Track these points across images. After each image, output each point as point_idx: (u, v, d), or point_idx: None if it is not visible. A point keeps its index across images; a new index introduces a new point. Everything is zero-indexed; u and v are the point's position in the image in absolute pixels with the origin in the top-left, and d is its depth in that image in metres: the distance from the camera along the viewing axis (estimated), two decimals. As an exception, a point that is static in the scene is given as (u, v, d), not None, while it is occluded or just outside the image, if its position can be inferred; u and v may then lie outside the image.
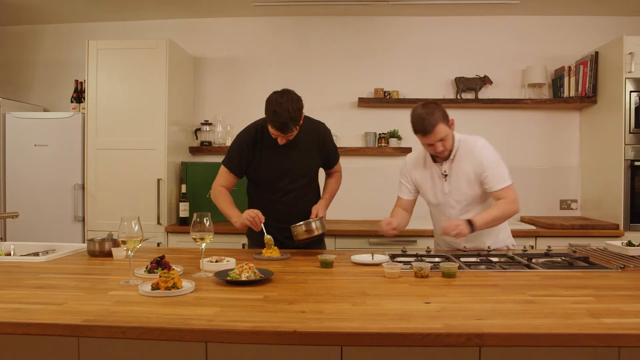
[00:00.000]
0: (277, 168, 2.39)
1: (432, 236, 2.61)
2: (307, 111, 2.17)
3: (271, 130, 2.26)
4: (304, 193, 2.47)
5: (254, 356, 1.56)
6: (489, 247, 2.33)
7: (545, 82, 3.92)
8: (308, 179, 2.48)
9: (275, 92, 2.25)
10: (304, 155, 2.41)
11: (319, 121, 2.52)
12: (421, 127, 2.20)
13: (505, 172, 2.27)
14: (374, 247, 3.32)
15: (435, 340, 1.21)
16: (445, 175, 2.33)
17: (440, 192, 2.36)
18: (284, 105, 2.18)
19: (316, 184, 2.57)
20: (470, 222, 2.16)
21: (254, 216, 2.29)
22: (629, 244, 2.29)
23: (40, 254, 2.29)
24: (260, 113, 2.33)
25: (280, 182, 2.41)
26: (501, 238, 2.45)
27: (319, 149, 2.45)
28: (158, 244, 3.48)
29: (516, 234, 3.35)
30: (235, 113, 4.05)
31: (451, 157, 2.30)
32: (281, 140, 2.29)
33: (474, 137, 2.34)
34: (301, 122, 2.29)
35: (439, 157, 2.32)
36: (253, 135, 2.41)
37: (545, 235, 3.33)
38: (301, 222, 2.27)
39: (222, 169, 2.48)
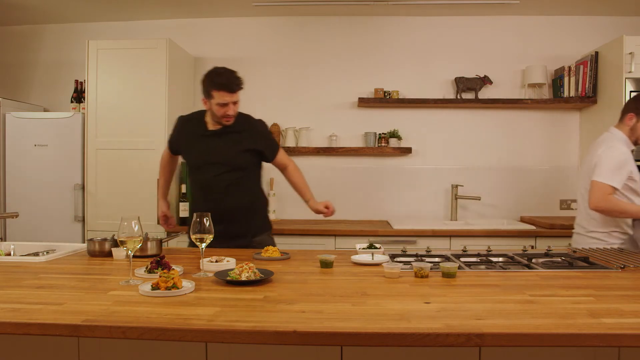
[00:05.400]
0: (201, 156, 2.48)
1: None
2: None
3: (220, 95, 2.30)
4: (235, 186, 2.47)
5: (254, 356, 1.56)
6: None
7: (545, 82, 3.92)
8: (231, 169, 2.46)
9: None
10: (230, 145, 2.45)
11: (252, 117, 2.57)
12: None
13: None
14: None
15: (435, 340, 1.21)
16: None
17: None
18: (224, 69, 2.34)
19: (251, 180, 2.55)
20: None
21: (161, 217, 2.50)
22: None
23: (40, 254, 2.29)
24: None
25: (205, 170, 2.48)
26: None
27: (255, 141, 2.49)
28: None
29: (516, 234, 3.34)
30: (235, 113, 4.05)
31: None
32: (231, 110, 2.33)
33: None
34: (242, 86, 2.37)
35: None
36: (185, 122, 2.60)
37: (545, 235, 3.33)
38: None
39: None
